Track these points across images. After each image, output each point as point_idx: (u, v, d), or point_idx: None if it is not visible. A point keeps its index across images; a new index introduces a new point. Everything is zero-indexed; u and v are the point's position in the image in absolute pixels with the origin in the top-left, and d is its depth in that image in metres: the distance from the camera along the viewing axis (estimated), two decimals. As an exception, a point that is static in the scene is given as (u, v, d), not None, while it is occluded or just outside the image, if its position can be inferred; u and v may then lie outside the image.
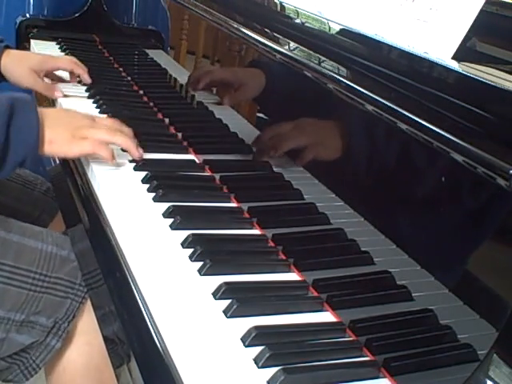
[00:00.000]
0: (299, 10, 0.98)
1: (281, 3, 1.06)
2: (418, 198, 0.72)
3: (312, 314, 0.70)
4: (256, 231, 0.86)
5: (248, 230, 0.86)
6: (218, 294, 0.70)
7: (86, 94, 1.30)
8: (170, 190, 0.90)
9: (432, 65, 0.69)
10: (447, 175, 0.66)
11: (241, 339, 0.63)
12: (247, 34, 1.06)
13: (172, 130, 1.17)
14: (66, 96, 1.26)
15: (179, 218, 0.83)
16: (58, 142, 0.92)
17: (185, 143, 1.11)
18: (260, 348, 0.61)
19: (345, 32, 0.85)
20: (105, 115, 1.17)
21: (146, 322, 0.67)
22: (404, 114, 0.68)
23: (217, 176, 0.99)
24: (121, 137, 0.96)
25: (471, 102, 0.63)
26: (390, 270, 0.71)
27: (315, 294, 0.73)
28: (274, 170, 0.97)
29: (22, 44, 1.71)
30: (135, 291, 0.72)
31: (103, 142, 0.94)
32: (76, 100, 1.26)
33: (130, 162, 0.99)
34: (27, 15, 1.80)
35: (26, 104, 0.91)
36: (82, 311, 0.96)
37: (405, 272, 0.70)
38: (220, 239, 0.82)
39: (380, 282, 0.72)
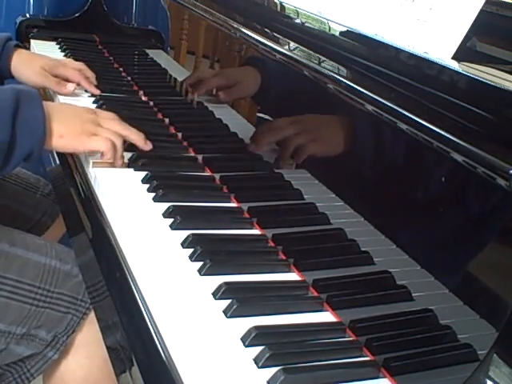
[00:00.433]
0: (299, 10, 0.98)
1: (281, 3, 1.06)
2: (417, 198, 0.72)
3: (312, 314, 0.70)
4: (256, 231, 0.86)
5: (248, 230, 0.86)
6: (218, 294, 0.70)
7: (86, 94, 1.30)
8: (170, 190, 0.90)
9: (432, 65, 0.69)
10: (447, 175, 0.66)
11: (241, 339, 0.63)
12: (247, 34, 1.06)
13: (172, 129, 1.17)
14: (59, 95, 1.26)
15: (179, 218, 0.83)
16: (67, 137, 0.92)
17: (185, 143, 1.11)
18: (260, 348, 0.62)
19: (345, 32, 0.85)
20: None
21: (146, 322, 0.67)
22: (404, 114, 0.68)
23: (217, 176, 0.99)
24: (129, 130, 0.97)
25: (471, 101, 0.63)
26: (390, 270, 0.71)
27: (315, 294, 0.73)
28: (274, 170, 0.97)
29: (22, 44, 1.71)
30: (135, 291, 0.72)
31: (111, 142, 0.94)
32: (76, 99, 1.26)
33: (129, 159, 0.99)
34: (27, 15, 1.80)
35: (31, 96, 0.90)
36: (82, 325, 0.96)
37: (405, 272, 0.70)
38: (220, 239, 0.82)
39: (380, 281, 0.72)
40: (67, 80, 1.28)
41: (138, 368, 0.65)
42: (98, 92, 1.30)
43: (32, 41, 1.69)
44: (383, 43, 0.77)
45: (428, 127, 0.64)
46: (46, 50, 1.61)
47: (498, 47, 0.70)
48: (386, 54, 0.76)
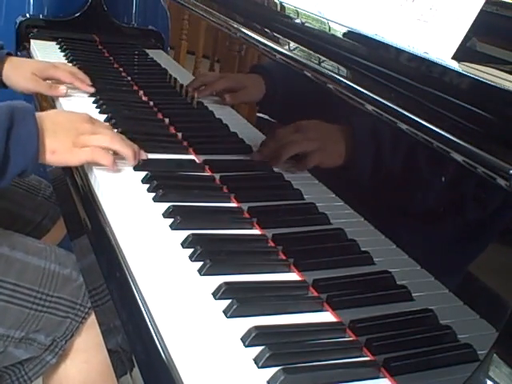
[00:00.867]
0: (299, 10, 0.98)
1: (281, 3, 1.06)
2: (417, 198, 0.72)
3: (312, 314, 0.70)
4: (256, 231, 0.86)
5: (248, 230, 0.86)
6: (218, 294, 0.70)
7: (86, 94, 1.30)
8: (170, 190, 0.90)
9: (432, 65, 0.69)
10: (447, 175, 0.66)
11: (241, 339, 0.63)
12: (247, 34, 1.06)
13: (172, 130, 1.17)
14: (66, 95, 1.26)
15: (179, 218, 0.83)
16: (60, 151, 0.91)
17: (185, 143, 1.11)
18: (260, 348, 0.61)
19: (345, 32, 0.85)
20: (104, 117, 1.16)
21: (146, 323, 0.67)
22: (404, 114, 0.68)
23: (217, 176, 0.99)
24: (120, 144, 0.95)
25: (471, 101, 0.63)
26: (390, 270, 0.71)
27: (315, 294, 0.73)
28: (274, 170, 0.97)
29: (22, 44, 1.71)
30: (135, 291, 0.72)
31: (103, 149, 0.93)
32: (76, 100, 1.26)
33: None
34: (27, 15, 1.80)
35: (26, 113, 0.90)
36: (81, 330, 0.96)
37: (405, 272, 0.70)
38: (220, 239, 0.82)
39: (380, 281, 0.72)
40: (59, 82, 1.28)
41: (138, 369, 0.65)
42: (92, 90, 1.30)
43: (32, 41, 1.69)
44: (383, 43, 0.77)
45: (428, 127, 0.64)
46: (46, 49, 1.62)
47: (498, 47, 0.70)
48: (386, 54, 0.76)
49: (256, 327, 0.64)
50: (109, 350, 0.73)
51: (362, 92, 0.75)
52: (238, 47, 1.16)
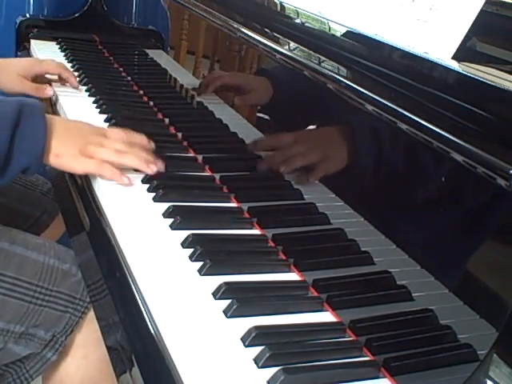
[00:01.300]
0: (299, 10, 0.98)
1: (281, 3, 1.06)
2: (418, 198, 0.72)
3: (312, 314, 0.70)
4: (256, 231, 0.86)
5: (248, 230, 0.86)
6: (218, 294, 0.70)
7: (86, 94, 1.30)
8: (170, 190, 0.90)
9: (432, 65, 0.69)
10: (447, 175, 0.66)
11: (241, 339, 0.63)
12: (247, 34, 1.06)
13: (172, 130, 1.17)
14: (60, 95, 1.26)
15: (179, 218, 0.83)
16: (64, 157, 0.91)
17: (185, 143, 1.11)
18: (260, 348, 0.61)
19: (345, 32, 0.85)
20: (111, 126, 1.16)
21: (146, 322, 0.67)
22: (404, 114, 0.68)
23: (217, 176, 0.99)
24: (129, 157, 0.93)
25: (471, 101, 0.63)
26: (390, 270, 0.71)
27: (315, 294, 0.73)
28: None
29: (22, 44, 1.71)
30: (135, 291, 0.72)
31: (108, 163, 0.91)
32: (76, 99, 1.26)
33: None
34: (27, 15, 1.80)
35: (35, 111, 0.89)
36: (80, 325, 0.96)
37: (405, 272, 0.70)
38: (220, 239, 0.82)
39: (380, 281, 0.72)
40: (48, 82, 1.27)
41: (138, 368, 0.65)
42: (77, 85, 1.31)
43: (32, 41, 1.69)
44: (383, 43, 0.77)
45: (428, 127, 0.64)
46: (46, 49, 1.62)
47: (498, 47, 0.70)
48: (386, 54, 0.76)
49: (256, 327, 0.64)
50: (108, 349, 0.73)
51: (362, 92, 0.75)
52: (238, 47, 1.16)
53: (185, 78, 1.37)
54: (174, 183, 0.94)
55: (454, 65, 0.68)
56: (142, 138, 0.98)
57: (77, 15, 1.79)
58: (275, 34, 1.00)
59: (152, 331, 0.66)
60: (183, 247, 0.78)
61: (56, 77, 1.34)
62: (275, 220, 0.87)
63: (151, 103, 1.31)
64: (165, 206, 0.86)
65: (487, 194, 0.61)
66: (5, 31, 1.78)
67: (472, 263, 0.63)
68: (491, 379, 0.52)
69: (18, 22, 1.75)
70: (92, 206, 0.92)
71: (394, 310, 0.68)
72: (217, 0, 1.26)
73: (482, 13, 0.67)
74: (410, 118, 0.67)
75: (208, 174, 1.01)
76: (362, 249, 0.77)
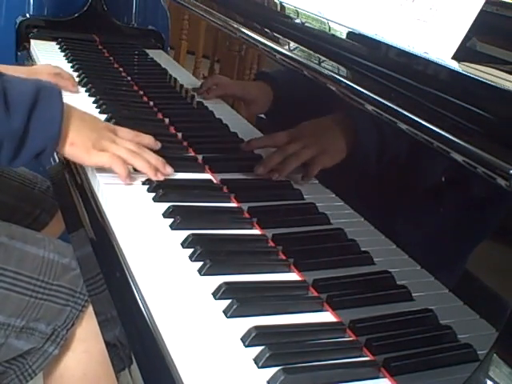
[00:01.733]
0: (299, 10, 0.98)
1: (281, 3, 1.06)
2: (418, 198, 0.72)
3: (312, 314, 0.70)
4: (256, 231, 0.86)
5: (248, 230, 0.86)
6: (218, 294, 0.70)
7: (86, 94, 1.30)
8: (170, 190, 0.90)
9: (432, 65, 0.69)
10: (447, 175, 0.66)
11: (241, 339, 0.63)
12: (247, 34, 1.06)
13: (172, 130, 1.17)
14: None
15: (179, 217, 0.83)
16: (78, 147, 0.91)
17: (185, 143, 1.11)
18: (260, 348, 0.61)
19: (345, 32, 0.85)
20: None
21: (146, 322, 0.67)
22: (404, 114, 0.68)
23: (217, 176, 0.99)
24: (140, 161, 0.93)
25: (471, 102, 0.63)
26: (390, 270, 0.71)
27: (315, 294, 0.73)
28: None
29: (22, 44, 1.71)
30: (135, 291, 0.72)
31: (121, 159, 0.92)
32: (76, 100, 1.26)
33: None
34: (27, 15, 1.80)
35: (52, 94, 0.89)
36: (81, 319, 0.96)
37: (405, 272, 0.70)
38: (220, 239, 0.82)
39: (380, 281, 0.72)
40: None
41: (137, 367, 0.65)
42: (75, 89, 1.30)
43: (32, 41, 1.69)
44: (383, 43, 0.77)
45: (428, 127, 0.64)
46: (46, 50, 1.62)
47: (498, 47, 0.70)
48: (386, 54, 0.76)
49: (256, 327, 0.64)
50: (107, 345, 0.73)
51: (362, 92, 0.75)
52: (238, 47, 1.16)
53: (185, 78, 1.37)
54: (174, 183, 0.94)
55: (454, 65, 0.68)
56: (150, 139, 0.99)
57: (77, 15, 1.79)
58: (275, 34, 1.00)
59: (152, 331, 0.66)
60: (183, 247, 0.78)
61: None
62: (275, 220, 0.87)
63: (151, 103, 1.31)
64: (165, 205, 0.86)
65: (487, 194, 0.61)
66: (5, 31, 1.78)
67: (472, 263, 0.63)
68: (491, 379, 0.52)
69: (18, 21, 1.75)
70: (92, 206, 0.92)
71: (394, 310, 0.68)
72: (217, 0, 1.26)
73: (481, 13, 0.67)
74: (410, 117, 0.67)
75: (208, 174, 1.01)
76: (362, 249, 0.77)
